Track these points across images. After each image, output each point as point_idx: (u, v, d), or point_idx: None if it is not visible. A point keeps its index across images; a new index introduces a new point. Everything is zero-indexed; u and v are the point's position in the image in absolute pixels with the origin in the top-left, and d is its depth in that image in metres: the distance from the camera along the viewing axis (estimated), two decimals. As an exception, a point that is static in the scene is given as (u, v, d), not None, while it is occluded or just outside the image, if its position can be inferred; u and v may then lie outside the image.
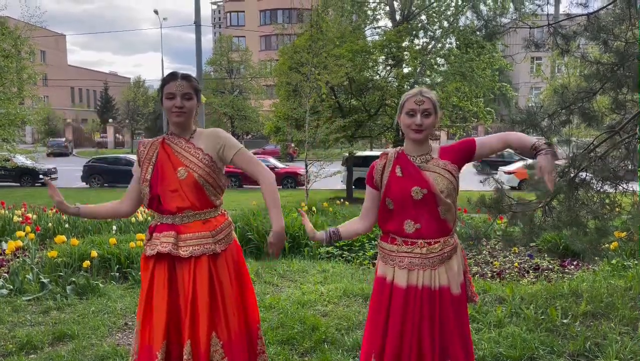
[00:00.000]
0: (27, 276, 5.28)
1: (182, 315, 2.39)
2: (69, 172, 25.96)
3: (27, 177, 21.91)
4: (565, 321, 3.93)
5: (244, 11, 56.73)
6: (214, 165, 2.46)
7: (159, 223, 2.48)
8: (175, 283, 2.42)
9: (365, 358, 2.38)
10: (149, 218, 8.04)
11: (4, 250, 6.19)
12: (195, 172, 2.41)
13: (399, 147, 2.45)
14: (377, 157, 2.52)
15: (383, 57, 16.85)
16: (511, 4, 16.05)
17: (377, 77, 17.24)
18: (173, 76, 2.47)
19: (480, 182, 4.52)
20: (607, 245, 5.55)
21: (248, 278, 2.63)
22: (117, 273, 5.67)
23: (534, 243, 6.58)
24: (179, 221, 2.44)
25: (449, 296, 2.30)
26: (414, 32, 17.16)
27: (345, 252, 6.95)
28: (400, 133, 2.44)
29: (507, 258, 6.54)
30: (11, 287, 5.06)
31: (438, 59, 17.13)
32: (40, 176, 22.23)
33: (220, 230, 2.49)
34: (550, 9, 4.41)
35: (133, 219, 8.53)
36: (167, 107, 2.44)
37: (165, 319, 2.35)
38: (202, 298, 2.37)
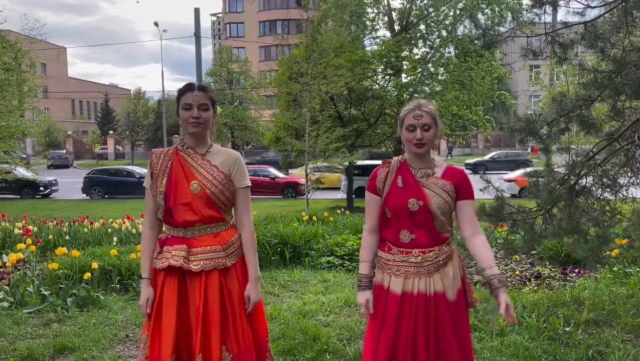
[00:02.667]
0: (27, 288, 5.27)
1: (192, 328, 2.37)
2: (69, 183, 26.00)
3: (28, 189, 21.93)
4: (567, 329, 3.92)
5: (243, 22, 57.06)
6: (228, 183, 2.45)
7: (169, 236, 2.46)
8: (185, 297, 2.40)
9: None
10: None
11: (5, 262, 6.18)
12: (209, 188, 2.40)
13: (402, 156, 2.46)
14: (377, 166, 2.52)
15: (382, 66, 16.91)
16: (509, 13, 16.19)
17: (377, 86, 17.30)
18: (190, 87, 2.44)
19: (481, 190, 4.53)
20: (608, 253, 5.54)
21: None
22: (118, 285, 5.67)
23: (535, 251, 6.56)
24: (190, 234, 2.42)
25: (445, 303, 2.32)
26: (412, 42, 17.24)
27: (346, 262, 6.94)
28: (403, 146, 2.45)
29: (509, 267, 6.53)
30: (12, 300, 5.05)
31: (437, 67, 17.19)
32: (41, 188, 22.27)
33: (231, 244, 2.47)
34: (548, 18, 4.43)
35: (134, 230, 8.53)
36: (184, 118, 2.42)
37: (175, 333, 2.33)
38: (213, 312, 2.35)
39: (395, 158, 2.47)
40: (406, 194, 2.33)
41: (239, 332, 2.41)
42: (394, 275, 2.36)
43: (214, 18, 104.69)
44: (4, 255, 6.95)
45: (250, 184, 2.54)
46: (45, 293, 5.10)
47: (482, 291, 5.14)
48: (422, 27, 17.39)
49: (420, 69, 16.41)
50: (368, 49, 18.04)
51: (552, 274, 6.09)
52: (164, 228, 2.53)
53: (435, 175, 2.37)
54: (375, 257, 2.50)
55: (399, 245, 2.36)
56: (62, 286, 5.29)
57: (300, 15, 19.24)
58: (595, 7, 4.29)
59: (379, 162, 2.62)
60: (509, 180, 17.94)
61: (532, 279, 5.89)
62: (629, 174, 4.38)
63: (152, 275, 2.48)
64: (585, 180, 4.33)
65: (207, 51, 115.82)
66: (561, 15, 4.64)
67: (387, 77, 17.40)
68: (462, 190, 2.37)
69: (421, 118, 2.32)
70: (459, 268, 2.43)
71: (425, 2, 17.18)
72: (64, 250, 5.74)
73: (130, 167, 24.52)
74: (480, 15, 16.03)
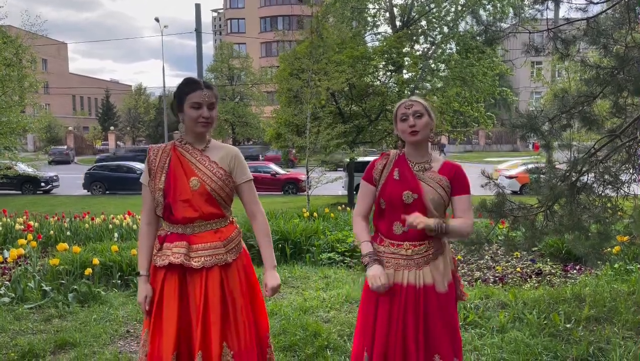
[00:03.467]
0: (28, 284, 5.28)
1: (193, 325, 2.36)
2: (70, 179, 26.00)
3: (29, 184, 21.93)
4: (568, 326, 3.92)
5: (244, 18, 56.99)
6: (227, 179, 2.43)
7: (169, 233, 2.43)
8: (185, 294, 2.38)
9: (357, 353, 2.44)
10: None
11: (6, 258, 6.19)
12: (209, 184, 2.38)
13: (400, 150, 2.51)
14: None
15: (383, 62, 16.87)
16: (511, 9, 16.13)
17: (378, 82, 17.27)
18: (197, 85, 2.37)
19: (482, 186, 4.52)
20: (609, 249, 5.53)
21: (258, 287, 2.60)
22: (119, 281, 5.67)
23: (536, 248, 6.55)
24: (190, 231, 2.40)
25: (434, 295, 2.36)
26: (414, 38, 17.20)
27: (347, 258, 6.94)
28: (400, 142, 2.50)
29: (510, 263, 6.52)
30: (13, 295, 5.05)
31: (438, 64, 17.16)
32: (42, 184, 22.28)
33: (232, 239, 2.46)
34: (550, 14, 4.42)
35: (135, 226, 8.54)
36: (193, 117, 2.36)
37: (176, 330, 2.32)
38: (214, 308, 2.34)
39: (394, 151, 2.52)
40: (402, 186, 2.37)
41: (240, 328, 2.40)
42: (385, 267, 2.40)
43: (215, 14, 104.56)
44: (5, 250, 6.96)
45: (252, 177, 2.53)
46: (46, 288, 5.10)
47: (483, 287, 5.15)
48: (423, 23, 17.34)
49: (421, 65, 16.37)
50: (369, 45, 18.00)
51: (553, 271, 6.09)
52: (162, 225, 2.51)
53: (433, 170, 2.42)
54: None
55: (391, 236, 2.40)
56: (63, 281, 5.29)
57: (301, 11, 19.18)
58: (597, 3, 4.27)
59: None
60: (510, 177, 17.92)
61: (533, 276, 5.89)
62: (631, 171, 4.37)
63: (151, 273, 2.46)
64: (586, 176, 4.33)
65: (208, 47, 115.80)
66: (563, 12, 4.62)
67: (388, 73, 17.37)
68: (457, 185, 2.40)
69: (412, 107, 2.38)
70: (450, 262, 2.46)
71: (426, -3, 17.12)
72: (65, 245, 5.73)
73: (131, 163, 24.51)
74: (481, 12, 15.98)
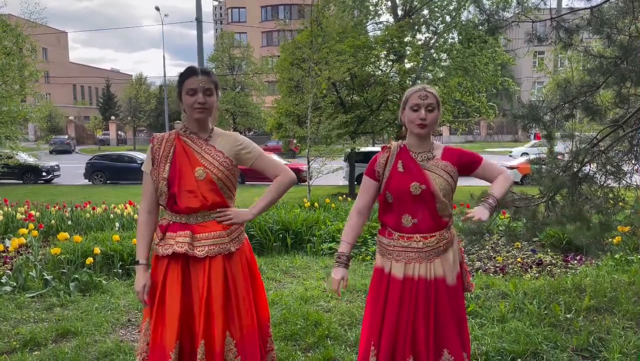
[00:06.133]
0: (30, 273, 5.29)
1: (196, 315, 2.36)
2: (71, 169, 26.01)
3: (30, 174, 21.95)
4: (568, 316, 3.92)
5: (245, 7, 56.64)
6: (233, 169, 2.44)
7: (171, 223, 2.42)
8: (188, 283, 2.38)
9: (365, 346, 2.43)
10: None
11: (8, 247, 6.21)
12: (215, 174, 2.37)
13: (401, 141, 2.48)
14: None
15: (385, 52, 16.78)
16: (513, -2, 15.86)
17: (379, 72, 17.19)
18: (193, 71, 2.38)
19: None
20: (610, 240, 5.53)
21: (259, 276, 2.61)
22: (120, 270, 5.69)
23: (537, 238, 6.55)
24: (194, 220, 2.39)
25: (445, 287, 2.35)
26: (415, 27, 17.10)
27: (347, 248, 6.94)
28: (404, 128, 2.45)
29: (510, 253, 6.53)
30: (14, 284, 5.07)
31: (440, 53, 17.07)
32: (43, 173, 22.30)
33: (235, 229, 2.46)
34: (553, 3, 4.39)
35: (136, 216, 8.55)
36: (189, 104, 2.37)
37: (179, 319, 2.32)
38: (217, 298, 2.34)
39: (395, 143, 2.48)
40: (408, 178, 2.34)
41: (242, 318, 2.40)
42: (395, 260, 2.38)
43: (216, 3, 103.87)
44: (7, 239, 6.98)
45: (260, 150, 2.53)
46: (48, 277, 5.12)
47: (483, 277, 5.16)
48: (425, 12, 17.24)
49: (423, 55, 16.29)
50: (371, 34, 17.90)
51: (553, 261, 6.09)
52: (163, 214, 2.50)
53: (436, 158, 2.40)
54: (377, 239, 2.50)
55: (401, 229, 2.37)
56: (64, 271, 5.30)
57: (302, 0, 19.03)
58: (601, -9, 4.23)
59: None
60: (511, 167, 17.89)
61: (534, 266, 5.89)
62: (633, 161, 4.36)
63: (153, 262, 2.45)
64: (588, 167, 4.31)
65: (209, 37, 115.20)
66: (567, 0, 4.58)
67: (389, 63, 17.28)
68: (469, 162, 2.41)
69: (427, 99, 2.33)
70: (458, 253, 2.45)
71: (428, -14, 16.99)
72: (66, 235, 5.75)
73: (132, 153, 24.50)
74: (484, 0, 15.87)
